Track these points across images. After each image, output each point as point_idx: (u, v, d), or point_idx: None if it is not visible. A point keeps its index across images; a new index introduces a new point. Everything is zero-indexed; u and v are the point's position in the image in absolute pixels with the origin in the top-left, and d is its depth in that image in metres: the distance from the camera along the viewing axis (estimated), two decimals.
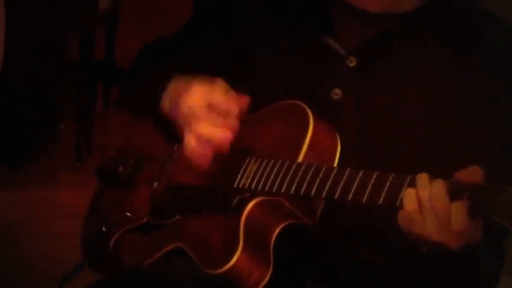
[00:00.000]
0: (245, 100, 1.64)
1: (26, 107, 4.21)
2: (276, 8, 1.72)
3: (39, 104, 4.36)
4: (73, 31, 4.29)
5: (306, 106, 1.58)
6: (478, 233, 1.38)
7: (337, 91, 1.65)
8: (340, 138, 1.57)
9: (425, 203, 1.37)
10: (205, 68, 1.78)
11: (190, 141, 1.63)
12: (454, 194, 1.35)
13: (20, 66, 4.01)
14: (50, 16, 4.09)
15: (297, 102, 1.60)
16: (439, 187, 1.36)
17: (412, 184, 1.40)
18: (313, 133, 1.55)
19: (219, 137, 1.60)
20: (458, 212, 1.34)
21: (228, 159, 1.64)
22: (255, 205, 1.56)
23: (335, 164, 1.55)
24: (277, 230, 1.56)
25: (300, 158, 1.54)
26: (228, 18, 1.77)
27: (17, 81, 4.03)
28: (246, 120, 1.68)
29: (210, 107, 1.62)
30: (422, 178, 1.38)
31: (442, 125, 1.59)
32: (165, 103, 1.70)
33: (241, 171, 1.60)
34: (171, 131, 1.71)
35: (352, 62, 1.64)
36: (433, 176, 1.40)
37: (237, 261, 1.53)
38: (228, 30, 1.77)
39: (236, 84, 1.71)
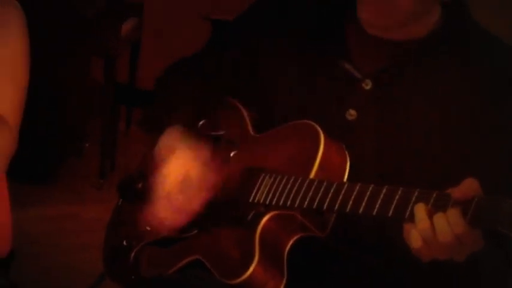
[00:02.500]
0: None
1: (54, 127, 4.23)
2: (295, 31, 1.72)
3: (65, 124, 4.38)
4: (97, 55, 4.31)
5: (316, 126, 1.59)
6: (480, 241, 1.38)
7: (352, 112, 1.65)
8: (355, 156, 1.58)
9: (445, 231, 1.37)
10: (224, 88, 1.79)
11: (159, 202, 1.69)
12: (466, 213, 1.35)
13: (47, 89, 4.03)
14: (76, 40, 4.11)
15: (309, 122, 1.60)
16: (456, 215, 1.36)
17: (420, 198, 1.40)
18: (324, 152, 1.56)
19: (187, 207, 1.66)
20: (467, 233, 1.35)
21: (244, 175, 1.65)
22: (269, 219, 1.56)
23: (345, 179, 1.55)
24: (291, 242, 1.57)
25: (312, 175, 1.55)
26: (248, 40, 1.77)
27: (45, 102, 4.05)
28: (261, 138, 1.69)
29: (188, 174, 1.66)
30: (420, 211, 1.38)
31: (453, 145, 1.59)
32: (158, 146, 1.74)
33: (256, 187, 1.60)
34: None
35: (367, 85, 1.64)
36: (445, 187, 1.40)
37: (253, 272, 1.53)
38: (247, 52, 1.77)
39: (253, 102, 1.72)
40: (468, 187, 1.37)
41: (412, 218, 1.40)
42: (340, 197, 1.48)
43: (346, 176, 1.56)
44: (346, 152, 1.59)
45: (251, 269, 1.53)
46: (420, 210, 1.38)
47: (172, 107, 1.81)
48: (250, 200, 1.60)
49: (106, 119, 4.33)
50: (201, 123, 1.79)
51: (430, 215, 1.38)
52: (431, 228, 1.37)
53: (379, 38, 1.65)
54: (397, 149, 1.62)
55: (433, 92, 1.61)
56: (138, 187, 1.78)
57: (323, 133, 1.58)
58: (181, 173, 1.68)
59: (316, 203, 1.51)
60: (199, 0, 5.02)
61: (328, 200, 1.50)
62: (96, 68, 4.58)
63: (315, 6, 1.71)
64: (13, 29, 1.78)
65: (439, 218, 1.37)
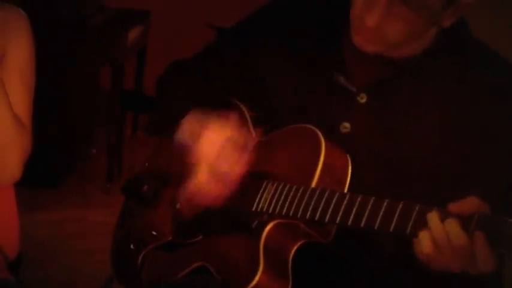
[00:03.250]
0: (259, 132, 1.64)
1: (61, 132, 4.24)
2: (294, 44, 1.72)
3: (73, 129, 4.39)
4: (105, 62, 4.32)
5: (317, 131, 1.58)
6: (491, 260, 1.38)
7: (346, 125, 1.64)
8: None
9: (443, 243, 1.38)
10: (225, 88, 1.79)
11: (203, 176, 1.62)
12: (468, 227, 1.36)
13: (55, 95, 4.03)
14: (84, 48, 4.12)
15: (310, 126, 1.60)
16: (454, 226, 1.37)
17: (421, 215, 1.40)
18: (326, 156, 1.56)
19: (233, 174, 1.60)
20: (481, 246, 1.34)
21: (247, 182, 1.64)
22: (273, 227, 1.56)
23: (346, 185, 1.55)
24: (294, 249, 1.57)
25: (314, 182, 1.55)
26: (249, 45, 1.77)
27: (53, 108, 4.06)
28: (261, 144, 1.68)
29: (226, 143, 1.62)
30: (434, 218, 1.39)
31: (448, 156, 1.58)
32: (182, 134, 1.69)
33: (259, 195, 1.60)
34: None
35: (362, 99, 1.64)
36: (440, 201, 1.40)
37: (259, 280, 1.53)
38: (248, 55, 1.76)
39: (254, 103, 1.72)
40: (469, 204, 1.38)
41: (413, 234, 1.40)
42: (342, 209, 1.48)
43: (348, 179, 1.56)
44: (348, 155, 1.58)
45: (257, 277, 1.53)
46: (434, 217, 1.39)
47: (174, 109, 1.81)
48: (253, 209, 1.60)
49: (113, 125, 4.34)
50: None
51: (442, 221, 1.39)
52: (444, 232, 1.37)
53: (373, 55, 1.64)
54: (391, 161, 1.61)
55: (428, 105, 1.60)
56: (143, 190, 1.79)
57: (324, 138, 1.57)
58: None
59: (318, 215, 1.51)
60: (203, 8, 5.03)
61: (329, 212, 1.49)
62: (103, 74, 4.59)
63: (315, 18, 1.71)
64: (19, 34, 1.80)
65: (451, 223, 1.37)
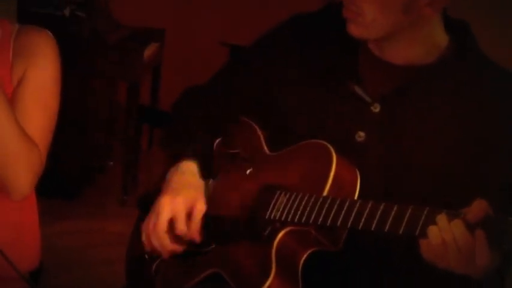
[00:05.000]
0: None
1: (80, 146, 4.25)
2: (309, 55, 1.72)
3: (91, 144, 4.40)
4: (122, 79, 4.33)
5: (328, 145, 1.58)
6: (496, 260, 1.39)
7: (361, 134, 1.64)
8: (363, 175, 1.57)
9: (450, 243, 1.38)
10: (238, 108, 1.79)
11: (147, 224, 1.68)
12: (473, 228, 1.37)
13: (76, 110, 4.05)
14: (101, 65, 4.13)
15: (321, 141, 1.60)
16: (459, 227, 1.38)
17: (430, 217, 1.41)
18: (336, 170, 1.56)
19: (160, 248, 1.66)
20: (481, 244, 1.35)
21: (260, 192, 1.64)
22: (285, 234, 1.57)
23: (355, 197, 1.55)
24: (305, 256, 1.57)
25: (325, 192, 1.55)
26: (263, 63, 1.77)
27: (73, 123, 4.07)
28: (275, 157, 1.69)
29: (171, 220, 1.65)
30: (442, 220, 1.39)
31: (457, 165, 1.59)
32: (169, 174, 1.73)
33: (272, 204, 1.60)
34: (204, 168, 1.73)
35: (376, 108, 1.64)
36: (449, 207, 1.41)
37: (271, 284, 1.54)
38: (261, 74, 1.77)
39: (266, 123, 1.72)
40: (478, 208, 1.38)
41: (422, 235, 1.41)
42: (353, 214, 1.48)
43: (357, 193, 1.56)
44: (357, 170, 1.58)
45: (268, 282, 1.53)
46: (442, 219, 1.40)
47: (189, 128, 1.81)
48: (267, 217, 1.60)
49: (129, 139, 4.34)
50: (217, 141, 1.79)
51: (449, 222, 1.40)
52: (451, 232, 1.38)
53: (387, 62, 1.65)
54: (404, 170, 1.61)
55: (440, 115, 1.61)
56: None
57: (335, 152, 1.57)
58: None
59: (330, 220, 1.51)
60: (217, 26, 5.04)
61: (341, 217, 1.50)
62: (120, 90, 4.60)
63: (330, 32, 1.71)
64: (46, 57, 1.80)
65: (457, 224, 1.38)
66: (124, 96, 4.43)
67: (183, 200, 1.66)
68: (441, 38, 1.64)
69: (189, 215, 1.66)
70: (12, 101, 1.73)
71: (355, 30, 1.62)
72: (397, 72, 1.63)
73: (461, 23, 1.67)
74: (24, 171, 1.73)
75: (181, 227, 1.65)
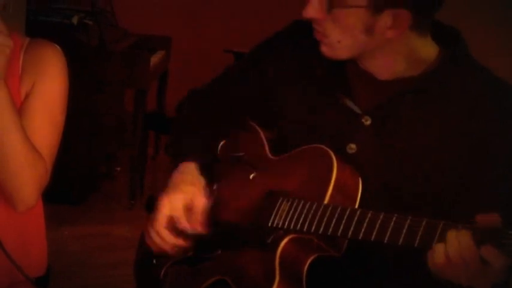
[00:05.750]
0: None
1: (87, 152, 4.25)
2: (306, 62, 1.71)
3: (98, 150, 4.40)
4: (129, 86, 4.34)
5: (329, 150, 1.58)
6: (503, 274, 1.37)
7: (352, 146, 1.63)
8: None
9: (454, 255, 1.37)
10: (241, 112, 1.79)
11: (152, 222, 1.69)
12: (479, 240, 1.35)
13: (84, 117, 4.05)
14: (109, 72, 4.14)
15: (322, 147, 1.60)
16: (466, 239, 1.36)
17: (429, 228, 1.39)
18: (338, 175, 1.55)
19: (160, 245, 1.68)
20: (491, 256, 1.34)
21: (263, 199, 1.64)
22: (287, 242, 1.56)
23: (357, 202, 1.55)
24: (308, 262, 1.56)
25: (327, 199, 1.54)
26: (264, 74, 1.77)
27: (81, 130, 4.07)
28: (278, 161, 1.68)
29: (171, 217, 1.66)
30: (451, 234, 1.38)
31: (450, 175, 1.57)
32: (173, 174, 1.74)
33: (275, 211, 1.60)
34: (203, 167, 1.73)
35: (367, 121, 1.63)
36: (446, 217, 1.40)
37: None
38: (263, 84, 1.77)
39: (269, 126, 1.72)
40: (487, 220, 1.36)
41: (423, 246, 1.40)
42: (353, 224, 1.48)
43: (359, 197, 1.56)
44: (359, 176, 1.58)
45: None
46: (451, 233, 1.38)
47: (191, 130, 1.81)
48: (269, 225, 1.60)
49: (136, 145, 4.35)
50: (221, 144, 1.79)
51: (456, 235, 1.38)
52: (457, 243, 1.37)
53: (374, 77, 1.64)
54: (396, 181, 1.60)
55: (430, 126, 1.59)
56: None
57: (335, 157, 1.57)
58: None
59: (330, 230, 1.51)
60: (221, 34, 5.05)
61: (341, 226, 1.49)
62: (127, 97, 4.61)
63: None
64: (54, 72, 1.80)
65: (464, 235, 1.37)
66: (131, 103, 4.43)
67: (181, 196, 1.67)
68: (427, 50, 1.61)
69: (190, 209, 1.66)
70: (20, 113, 1.73)
71: (325, 50, 1.62)
72: (385, 85, 1.62)
73: (452, 31, 1.64)
74: (30, 182, 1.73)
75: (181, 220, 1.66)
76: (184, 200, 1.67)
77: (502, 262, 1.34)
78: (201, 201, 1.67)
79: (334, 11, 1.55)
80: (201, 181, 1.71)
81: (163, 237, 1.66)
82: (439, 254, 1.39)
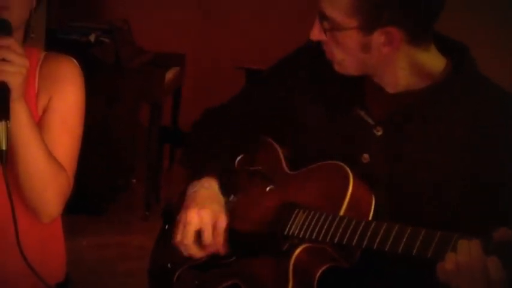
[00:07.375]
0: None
1: (105, 164, 4.26)
2: (322, 84, 1.72)
3: (115, 162, 4.41)
4: (144, 101, 4.35)
5: (346, 166, 1.58)
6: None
7: (366, 156, 1.64)
8: None
9: (464, 266, 1.37)
10: (259, 127, 1.79)
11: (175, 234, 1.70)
12: (488, 251, 1.35)
13: (101, 131, 4.07)
14: (125, 88, 4.15)
15: (339, 163, 1.60)
16: (476, 248, 1.36)
17: (442, 239, 1.39)
18: (353, 190, 1.56)
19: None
20: (494, 268, 1.33)
21: (280, 209, 1.64)
22: (302, 250, 1.57)
23: (370, 217, 1.55)
24: (320, 271, 1.57)
25: (342, 212, 1.54)
26: (281, 91, 1.77)
27: (99, 143, 4.08)
28: (295, 176, 1.69)
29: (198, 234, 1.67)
30: (463, 244, 1.38)
31: (462, 185, 1.56)
32: (190, 190, 1.74)
33: (291, 221, 1.60)
34: (223, 185, 1.74)
35: (379, 131, 1.63)
36: (457, 227, 1.40)
37: None
38: (280, 101, 1.77)
39: (285, 142, 1.72)
40: (500, 235, 1.36)
41: (436, 256, 1.39)
42: (368, 234, 1.48)
43: (372, 212, 1.55)
44: (372, 193, 1.58)
45: None
46: (463, 243, 1.38)
47: (210, 147, 1.81)
48: (285, 233, 1.59)
49: (151, 158, 4.35)
50: (238, 158, 1.80)
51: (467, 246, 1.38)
52: (468, 254, 1.37)
53: (385, 90, 1.64)
54: (408, 190, 1.60)
55: (440, 137, 1.59)
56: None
57: (352, 173, 1.57)
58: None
59: (346, 239, 1.50)
60: (234, 51, 5.06)
61: (357, 236, 1.49)
62: (143, 112, 4.62)
63: None
64: (71, 85, 1.79)
65: (475, 245, 1.37)
66: (146, 117, 4.44)
67: (209, 213, 1.67)
68: (433, 63, 1.61)
69: (213, 227, 1.67)
70: (39, 127, 1.73)
71: (337, 68, 1.65)
72: (395, 97, 1.63)
73: (459, 46, 1.64)
74: (53, 194, 1.72)
75: (208, 237, 1.66)
76: (211, 217, 1.68)
77: (503, 276, 1.33)
78: (223, 222, 1.68)
79: (331, 33, 1.58)
80: (222, 200, 1.73)
81: (190, 253, 1.69)
82: (449, 261, 1.38)
